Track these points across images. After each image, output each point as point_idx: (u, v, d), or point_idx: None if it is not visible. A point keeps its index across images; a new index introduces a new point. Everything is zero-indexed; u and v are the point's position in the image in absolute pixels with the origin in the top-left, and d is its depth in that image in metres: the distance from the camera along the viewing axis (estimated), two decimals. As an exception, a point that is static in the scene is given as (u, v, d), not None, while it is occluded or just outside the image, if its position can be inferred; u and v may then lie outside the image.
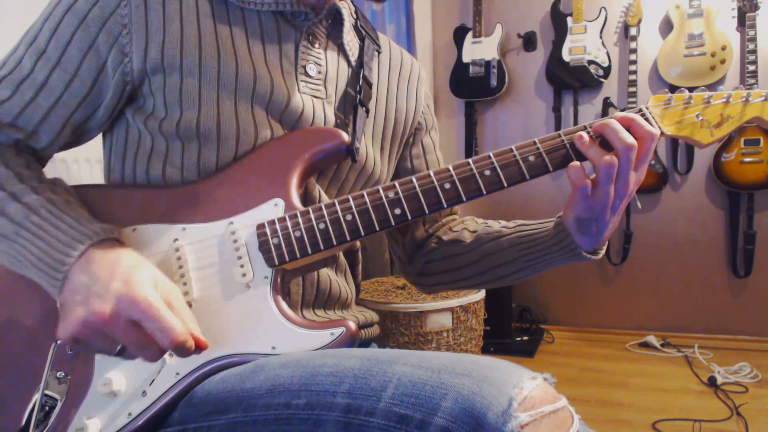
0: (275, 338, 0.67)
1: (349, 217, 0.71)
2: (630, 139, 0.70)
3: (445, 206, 0.72)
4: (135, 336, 0.60)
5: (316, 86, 0.79)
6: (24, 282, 0.70)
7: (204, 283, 0.69)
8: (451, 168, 0.72)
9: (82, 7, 0.70)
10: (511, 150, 0.72)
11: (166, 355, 0.65)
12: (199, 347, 0.61)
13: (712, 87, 2.64)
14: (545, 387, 0.54)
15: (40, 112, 0.72)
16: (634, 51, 2.69)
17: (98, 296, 0.59)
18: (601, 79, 2.77)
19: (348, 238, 0.71)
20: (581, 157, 0.73)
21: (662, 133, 0.74)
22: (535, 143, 0.73)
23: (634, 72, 2.68)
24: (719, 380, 2.25)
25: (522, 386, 0.52)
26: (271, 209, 0.72)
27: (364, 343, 0.88)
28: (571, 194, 0.75)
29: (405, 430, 0.52)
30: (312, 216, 0.71)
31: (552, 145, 0.73)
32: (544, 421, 0.51)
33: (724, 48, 2.55)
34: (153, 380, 0.65)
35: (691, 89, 0.78)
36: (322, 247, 0.70)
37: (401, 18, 2.91)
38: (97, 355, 0.67)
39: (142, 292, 0.59)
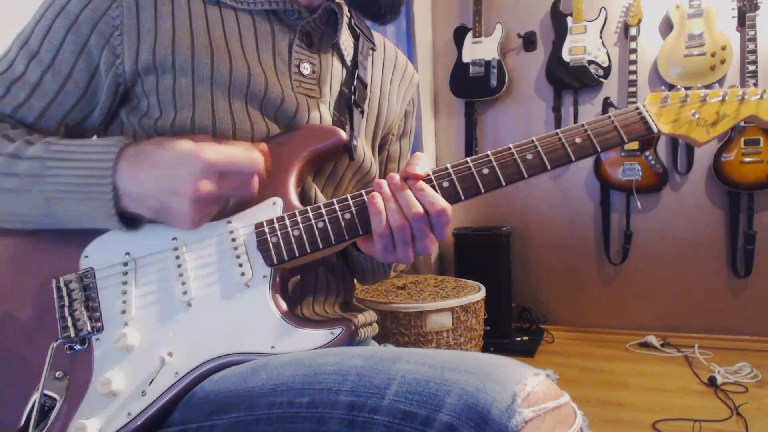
0: (274, 337, 0.67)
1: (347, 216, 0.71)
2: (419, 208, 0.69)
3: None
4: (231, 182, 0.67)
5: (309, 85, 0.79)
6: (21, 283, 0.70)
7: (203, 282, 0.69)
8: (449, 166, 0.72)
9: (74, 9, 0.70)
10: (510, 149, 0.72)
11: (165, 355, 0.65)
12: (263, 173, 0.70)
13: (711, 87, 2.64)
14: (548, 383, 0.54)
15: (34, 113, 0.72)
16: (634, 51, 2.69)
17: (180, 180, 0.63)
18: (601, 79, 2.77)
19: (346, 237, 0.71)
20: (578, 157, 0.73)
21: (659, 131, 0.74)
22: (533, 142, 0.72)
23: (634, 72, 2.68)
24: (719, 380, 2.24)
25: (525, 382, 0.52)
26: (270, 208, 0.72)
27: (363, 343, 0.88)
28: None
29: (410, 427, 0.52)
30: (311, 215, 0.71)
31: (550, 144, 0.72)
32: (548, 416, 0.51)
33: (724, 48, 2.55)
34: (152, 380, 0.65)
35: (689, 89, 0.78)
36: (320, 246, 0.70)
37: (401, 18, 2.91)
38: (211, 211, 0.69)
39: (206, 152, 0.64)
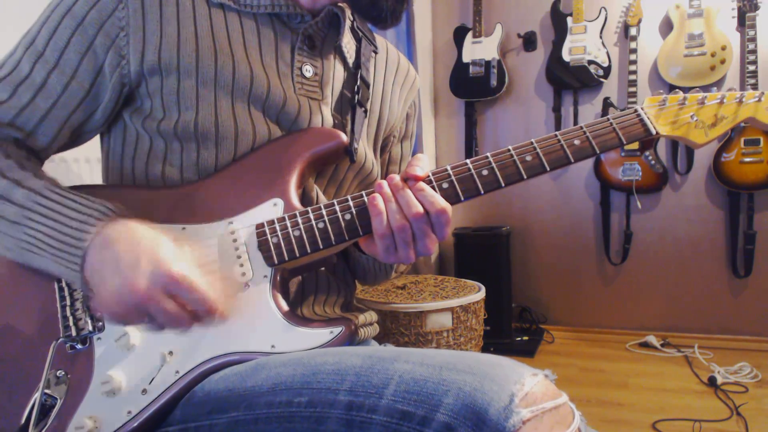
0: (274, 337, 0.67)
1: (347, 217, 0.71)
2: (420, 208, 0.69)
3: None
4: (171, 308, 0.61)
5: (312, 88, 0.79)
6: (22, 282, 0.70)
7: (203, 281, 0.69)
8: (449, 168, 0.72)
9: (80, 10, 0.70)
10: (509, 150, 0.72)
11: (166, 354, 0.66)
12: (222, 317, 0.65)
13: (712, 87, 2.65)
14: (546, 383, 0.54)
15: (39, 114, 0.72)
16: (634, 51, 2.69)
17: (131, 273, 0.60)
18: (601, 79, 2.77)
19: (346, 238, 0.71)
20: (577, 158, 0.73)
21: (657, 134, 0.75)
22: (532, 143, 0.73)
23: (634, 72, 2.68)
24: (719, 380, 2.24)
25: (523, 382, 0.52)
26: (271, 209, 0.72)
27: (363, 343, 0.88)
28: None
29: (407, 427, 0.52)
30: (311, 216, 0.71)
31: (549, 145, 0.73)
32: (546, 417, 0.51)
33: (724, 48, 2.55)
34: (153, 379, 0.65)
35: (690, 90, 0.78)
36: (321, 247, 0.70)
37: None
38: (128, 326, 0.67)
39: (175, 266, 0.61)
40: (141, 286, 0.60)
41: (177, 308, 0.62)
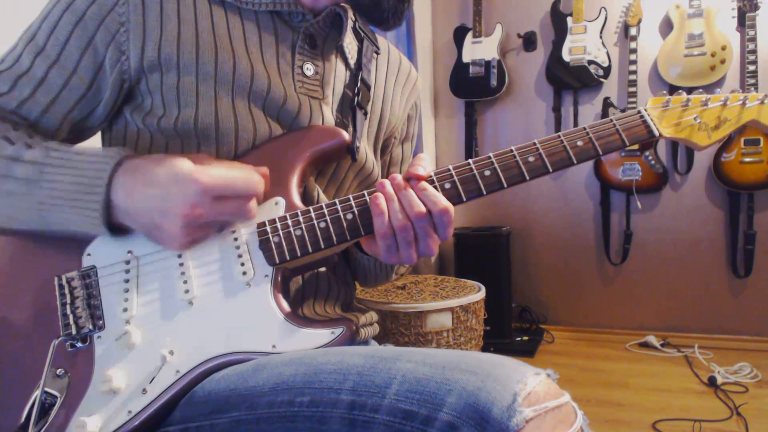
0: (275, 337, 0.67)
1: (349, 216, 0.71)
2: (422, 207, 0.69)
3: None
4: (226, 207, 0.66)
5: (312, 86, 0.79)
6: (23, 281, 0.70)
7: (204, 281, 0.69)
8: (451, 168, 0.72)
9: (81, 5, 0.70)
10: (511, 151, 0.72)
11: (166, 354, 0.65)
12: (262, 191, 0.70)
13: (712, 87, 2.65)
14: (549, 383, 0.54)
15: (39, 108, 0.72)
16: (634, 51, 2.70)
17: (174, 201, 0.63)
18: (601, 79, 2.77)
19: (348, 237, 0.71)
20: (580, 159, 0.73)
21: (660, 135, 0.75)
22: (534, 144, 0.73)
23: (634, 72, 2.68)
24: (719, 380, 2.25)
25: (526, 382, 0.52)
26: (272, 208, 0.72)
27: (363, 343, 0.88)
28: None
29: (410, 426, 0.52)
30: (313, 215, 0.71)
31: (552, 146, 0.73)
32: (548, 416, 0.51)
33: (724, 48, 2.55)
34: (153, 378, 0.65)
35: (690, 89, 0.78)
36: (322, 246, 0.70)
37: (401, 18, 2.91)
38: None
39: (202, 175, 0.64)
40: (188, 208, 0.63)
41: (230, 204, 0.66)
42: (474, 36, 2.98)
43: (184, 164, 0.64)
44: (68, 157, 0.67)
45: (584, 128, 0.74)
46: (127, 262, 0.70)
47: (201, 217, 0.64)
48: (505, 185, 0.72)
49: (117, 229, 0.68)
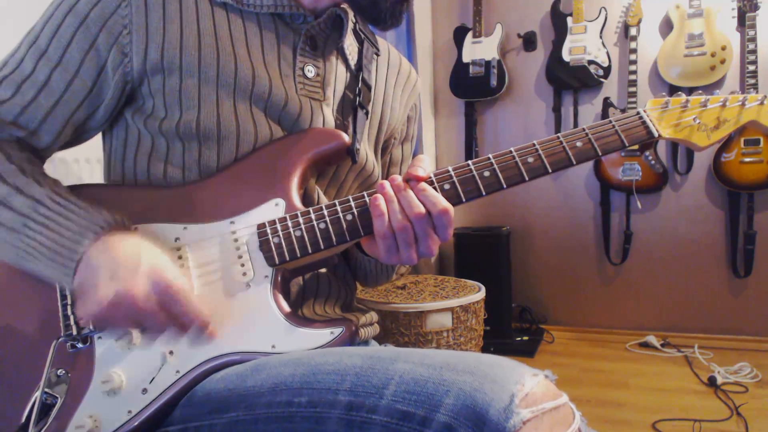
0: (275, 337, 0.67)
1: (349, 217, 0.71)
2: (422, 208, 0.69)
3: None
4: (161, 317, 0.63)
5: (313, 88, 0.79)
6: (23, 281, 0.70)
7: (204, 281, 0.69)
8: (450, 169, 0.72)
9: (83, 8, 0.70)
10: (511, 152, 0.72)
11: (166, 354, 0.66)
12: (212, 335, 0.66)
13: (712, 87, 2.64)
14: (546, 384, 0.54)
15: (42, 112, 0.72)
16: (634, 51, 2.69)
17: (128, 276, 0.61)
18: (601, 79, 2.77)
19: (348, 238, 0.71)
20: (579, 160, 0.73)
21: (660, 136, 0.75)
22: (534, 145, 0.73)
23: (634, 72, 2.68)
24: (719, 380, 2.25)
25: (523, 383, 0.52)
26: (272, 209, 0.72)
27: (363, 343, 0.88)
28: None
29: (408, 427, 0.52)
30: (312, 216, 0.71)
31: (551, 147, 0.73)
32: (546, 417, 0.51)
33: (724, 48, 2.55)
34: (153, 378, 0.65)
35: (691, 89, 0.78)
36: (322, 247, 0.70)
37: (401, 18, 2.91)
38: (106, 335, 0.67)
39: (173, 276, 0.63)
40: (136, 288, 0.61)
41: (165, 319, 0.64)
42: (474, 36, 2.98)
43: (164, 258, 0.64)
44: (53, 217, 0.65)
45: (583, 129, 0.74)
46: (127, 263, 0.70)
47: (139, 305, 0.62)
48: (505, 186, 0.72)
49: None
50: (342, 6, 0.81)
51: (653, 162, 2.69)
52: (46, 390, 0.65)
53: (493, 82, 2.94)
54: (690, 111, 0.76)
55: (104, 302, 0.61)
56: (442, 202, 0.68)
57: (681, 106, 0.76)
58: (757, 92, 2.47)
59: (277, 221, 0.71)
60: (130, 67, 0.72)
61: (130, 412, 0.64)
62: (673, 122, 0.76)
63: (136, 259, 0.63)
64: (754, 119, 0.75)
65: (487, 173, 0.72)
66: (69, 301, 0.68)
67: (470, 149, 3.10)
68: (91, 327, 0.67)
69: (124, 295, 0.61)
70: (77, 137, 0.78)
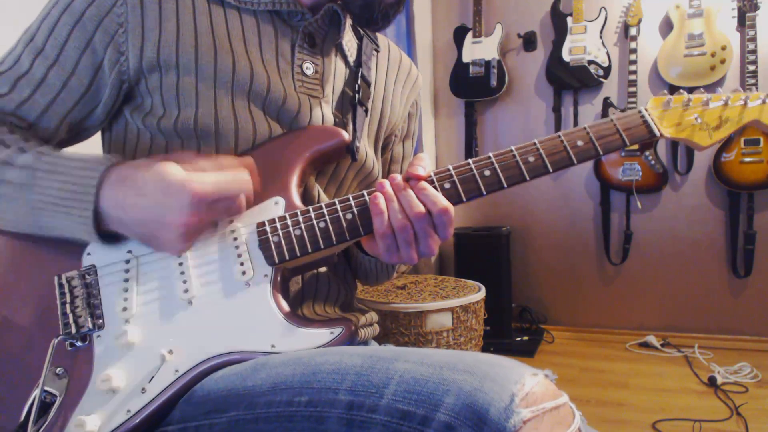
0: (275, 336, 0.67)
1: (349, 216, 0.71)
2: (421, 207, 0.69)
3: None
4: (220, 208, 0.67)
5: (312, 86, 0.79)
6: (23, 280, 0.70)
7: (204, 280, 0.69)
8: (451, 168, 0.72)
9: (79, 6, 0.70)
10: (511, 151, 0.72)
11: (165, 353, 0.66)
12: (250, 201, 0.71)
13: (712, 87, 2.64)
14: (546, 383, 0.54)
15: (38, 109, 0.72)
16: (634, 51, 2.69)
17: (169, 213, 0.63)
18: (601, 79, 2.77)
19: (348, 237, 0.71)
20: (580, 159, 0.73)
21: (661, 135, 0.74)
22: (535, 144, 0.72)
23: (634, 72, 2.68)
24: (719, 380, 2.25)
25: (524, 382, 0.52)
26: (272, 208, 0.72)
27: (363, 343, 0.88)
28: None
29: (408, 427, 0.52)
30: (312, 215, 0.71)
31: (552, 146, 0.72)
32: (546, 417, 0.51)
33: (724, 48, 2.55)
34: (152, 377, 0.65)
35: (691, 89, 0.78)
36: (322, 246, 0.70)
37: (401, 18, 2.92)
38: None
39: (195, 184, 0.63)
40: (184, 217, 0.63)
41: (223, 207, 0.68)
42: (474, 36, 2.98)
43: (174, 173, 0.64)
44: (58, 162, 0.67)
45: (584, 128, 0.73)
46: (127, 262, 0.70)
47: (197, 224, 0.65)
48: (505, 185, 0.72)
49: (111, 235, 0.68)
50: (340, 2, 0.81)
51: (653, 162, 2.69)
52: (46, 388, 0.65)
53: (493, 82, 2.94)
54: (692, 110, 0.76)
55: (178, 242, 0.65)
56: (443, 202, 0.68)
57: (683, 105, 0.76)
58: (757, 92, 2.47)
59: (276, 220, 0.71)
60: (126, 65, 0.72)
61: (129, 411, 0.64)
62: (675, 121, 0.76)
63: (158, 190, 0.63)
64: (756, 118, 0.75)
65: (487, 172, 0.72)
66: (68, 299, 0.68)
67: (470, 149, 3.10)
68: (101, 321, 0.68)
69: (183, 228, 0.63)
70: (75, 136, 0.78)
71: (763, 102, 0.74)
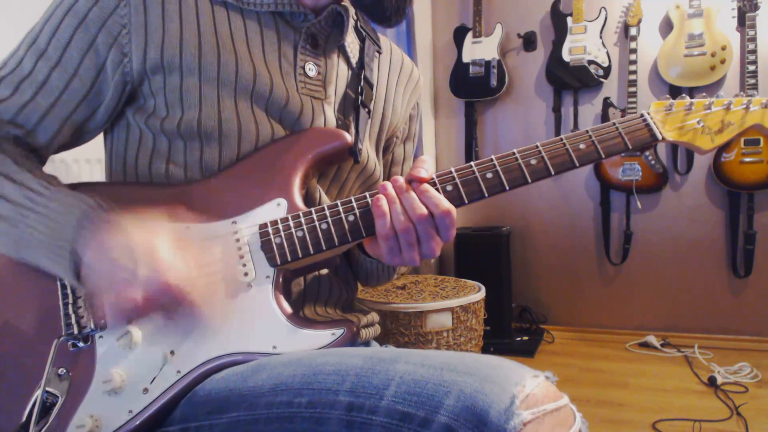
0: (276, 337, 0.67)
1: (351, 218, 0.71)
2: (423, 209, 0.69)
3: None
4: (166, 315, 0.64)
5: (315, 87, 0.79)
6: (24, 280, 0.70)
7: (206, 281, 0.69)
8: (453, 170, 0.72)
9: (82, 8, 0.70)
10: (514, 153, 0.72)
11: (167, 354, 0.66)
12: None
13: (712, 87, 2.63)
14: (547, 385, 0.54)
15: (40, 111, 0.72)
16: (634, 51, 2.69)
17: (127, 283, 0.61)
18: (601, 79, 2.77)
19: (350, 239, 0.71)
20: (582, 163, 0.73)
21: (663, 139, 0.74)
22: (537, 147, 0.72)
23: (634, 72, 2.68)
24: (719, 380, 2.25)
25: (524, 384, 0.52)
26: (274, 209, 0.72)
27: (364, 344, 0.88)
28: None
29: (408, 428, 0.52)
30: (314, 216, 0.71)
31: (554, 149, 0.72)
32: (547, 418, 0.51)
33: (724, 48, 2.55)
34: (154, 378, 0.65)
35: (691, 90, 0.78)
36: (324, 248, 0.70)
37: (401, 18, 2.91)
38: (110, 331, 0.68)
39: (170, 277, 0.61)
40: (137, 295, 0.60)
41: (171, 316, 0.64)
42: (474, 36, 2.98)
43: (161, 248, 0.63)
44: (38, 201, 0.65)
45: (587, 131, 0.73)
46: (129, 263, 0.70)
47: (144, 314, 0.62)
48: (507, 188, 0.72)
49: None
50: (343, 3, 0.81)
51: (653, 162, 2.69)
52: (47, 389, 0.65)
53: (493, 82, 2.94)
54: (694, 114, 0.76)
55: (113, 310, 0.63)
56: (445, 204, 0.68)
57: (685, 109, 0.76)
58: (757, 92, 2.47)
59: (279, 221, 0.71)
60: (129, 67, 0.72)
61: (130, 411, 0.64)
62: (677, 125, 0.76)
63: (131, 258, 0.61)
64: (758, 122, 0.75)
65: (489, 175, 0.72)
66: (70, 300, 0.69)
67: (470, 149, 3.10)
68: (103, 321, 0.68)
69: (124, 302, 0.61)
70: (77, 138, 0.78)
71: (765, 106, 0.74)
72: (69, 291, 0.69)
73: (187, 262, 0.64)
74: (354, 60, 0.85)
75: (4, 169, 0.67)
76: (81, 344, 0.67)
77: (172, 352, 0.66)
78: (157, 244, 0.63)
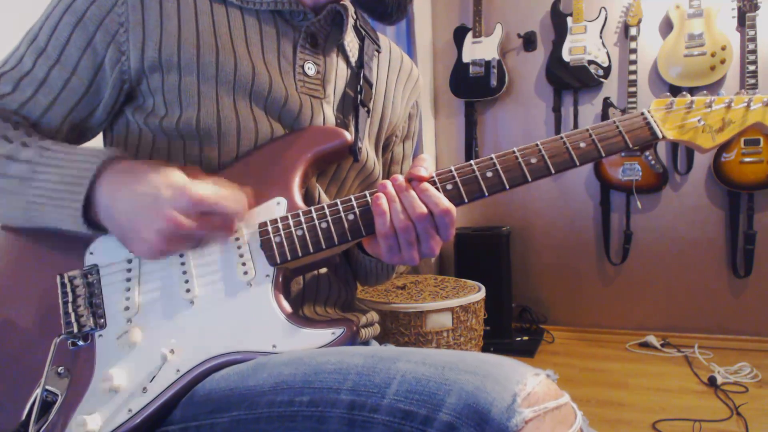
0: (276, 336, 0.67)
1: (351, 217, 0.71)
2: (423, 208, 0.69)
3: None
4: (210, 223, 0.65)
5: (314, 86, 0.79)
6: (25, 279, 0.70)
7: (206, 280, 0.69)
8: (453, 169, 0.72)
9: (80, 6, 0.70)
10: (514, 152, 0.72)
11: (167, 353, 0.66)
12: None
13: (712, 87, 2.63)
14: (548, 383, 0.54)
15: (39, 109, 0.72)
16: (634, 51, 2.70)
17: (156, 208, 0.62)
18: (601, 79, 2.77)
19: (350, 238, 0.71)
20: (582, 161, 0.72)
21: (664, 137, 0.74)
22: (537, 146, 0.72)
23: (634, 72, 2.68)
24: (719, 380, 2.25)
25: (525, 382, 0.52)
26: (274, 208, 0.72)
27: (364, 343, 0.88)
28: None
29: (410, 426, 0.52)
30: (314, 215, 0.71)
31: (554, 148, 0.72)
32: (548, 416, 0.51)
33: (724, 48, 2.55)
34: (154, 377, 0.65)
35: (691, 89, 0.78)
36: (323, 246, 0.70)
37: (401, 18, 2.91)
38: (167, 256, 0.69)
39: (195, 187, 0.63)
40: (173, 214, 0.62)
41: (212, 221, 0.65)
42: (474, 36, 2.98)
43: (177, 174, 0.64)
44: (58, 156, 0.67)
45: (587, 129, 0.73)
46: (129, 261, 0.70)
47: (183, 228, 0.63)
48: (507, 187, 0.72)
49: (99, 228, 0.68)
50: (342, 2, 0.81)
51: (653, 162, 2.69)
52: (47, 388, 0.65)
53: (493, 82, 2.94)
54: (695, 112, 0.75)
55: (155, 240, 0.63)
56: (444, 203, 0.68)
57: (686, 107, 0.75)
58: (758, 92, 2.47)
59: (278, 220, 0.71)
60: (127, 65, 0.72)
61: (130, 410, 0.64)
62: (678, 123, 0.75)
63: (153, 186, 0.63)
64: (759, 121, 0.74)
65: (489, 174, 0.72)
66: (70, 298, 0.68)
67: (470, 149, 3.10)
68: (102, 320, 0.68)
69: (166, 225, 0.62)
70: (77, 136, 0.78)
71: (766, 104, 0.74)
72: (69, 289, 0.69)
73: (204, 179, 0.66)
74: (353, 59, 0.85)
75: (18, 139, 0.69)
76: (81, 343, 0.67)
77: (171, 351, 0.66)
78: (171, 172, 0.64)
